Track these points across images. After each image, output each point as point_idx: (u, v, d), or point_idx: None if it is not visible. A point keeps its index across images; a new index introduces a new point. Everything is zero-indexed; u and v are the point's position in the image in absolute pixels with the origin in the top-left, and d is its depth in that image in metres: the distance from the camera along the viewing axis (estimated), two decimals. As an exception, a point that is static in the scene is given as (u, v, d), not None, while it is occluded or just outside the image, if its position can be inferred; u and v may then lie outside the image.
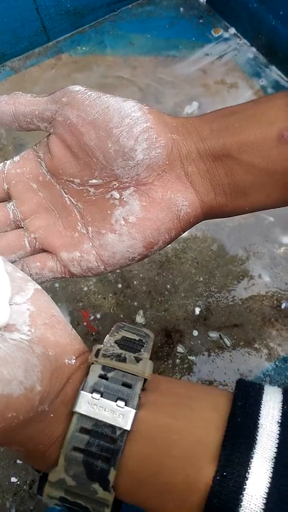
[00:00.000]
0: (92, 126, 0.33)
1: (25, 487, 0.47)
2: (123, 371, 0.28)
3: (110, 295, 0.55)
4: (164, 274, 0.56)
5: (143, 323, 0.53)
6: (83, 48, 0.74)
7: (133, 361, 0.28)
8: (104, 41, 0.75)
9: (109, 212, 0.34)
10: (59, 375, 0.28)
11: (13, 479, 0.47)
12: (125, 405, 0.27)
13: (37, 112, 0.34)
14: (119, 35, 0.76)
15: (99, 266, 0.35)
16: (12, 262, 0.35)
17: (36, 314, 0.30)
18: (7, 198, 0.37)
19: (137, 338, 0.31)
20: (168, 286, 0.56)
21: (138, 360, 0.29)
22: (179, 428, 0.27)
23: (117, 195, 0.34)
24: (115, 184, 0.34)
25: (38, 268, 0.35)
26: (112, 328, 0.31)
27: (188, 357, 0.51)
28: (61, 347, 0.29)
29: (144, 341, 0.31)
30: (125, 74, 0.72)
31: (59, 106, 0.33)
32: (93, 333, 0.53)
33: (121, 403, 0.27)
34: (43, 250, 0.36)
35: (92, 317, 0.54)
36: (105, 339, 0.30)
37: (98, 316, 0.54)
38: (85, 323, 0.54)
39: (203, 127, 0.34)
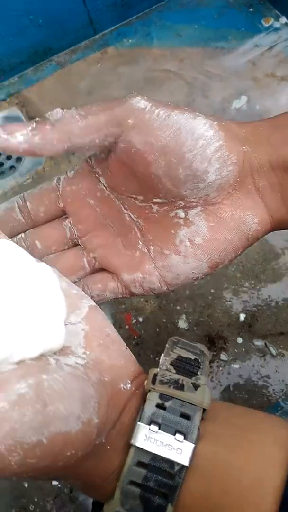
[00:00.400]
0: (161, 153, 0.30)
1: (66, 490, 0.47)
2: (181, 400, 0.27)
3: (153, 298, 0.54)
4: (208, 278, 0.55)
5: (186, 328, 0.52)
6: (129, 41, 0.72)
7: (191, 389, 0.27)
8: (150, 33, 0.73)
9: (172, 231, 0.32)
10: (115, 403, 0.27)
11: (54, 482, 0.47)
12: (184, 438, 0.26)
13: (97, 141, 0.30)
14: (166, 26, 0.73)
15: (162, 287, 0.33)
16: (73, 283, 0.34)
17: (91, 334, 0.28)
18: (63, 215, 0.35)
19: (192, 357, 0.29)
20: (212, 291, 0.54)
21: (196, 387, 0.27)
22: (239, 464, 0.26)
23: (182, 214, 0.32)
24: (180, 203, 0.32)
25: (99, 290, 0.34)
26: (167, 345, 0.30)
27: (232, 365, 0.50)
28: (116, 371, 0.28)
29: (200, 360, 0.29)
30: (171, 67, 0.70)
31: (123, 129, 0.30)
32: (135, 337, 0.53)
33: (179, 436, 0.26)
34: (102, 269, 0.35)
35: (134, 320, 0.54)
36: (161, 360, 0.29)
37: (140, 319, 0.54)
38: (127, 326, 0.53)
39: (275, 135, 0.31)
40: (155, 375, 0.28)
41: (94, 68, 0.70)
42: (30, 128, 0.28)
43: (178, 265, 0.32)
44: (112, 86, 0.68)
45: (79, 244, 0.35)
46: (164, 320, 0.53)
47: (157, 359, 0.52)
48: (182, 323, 0.53)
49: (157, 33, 0.73)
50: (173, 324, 0.53)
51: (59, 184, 0.35)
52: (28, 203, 0.34)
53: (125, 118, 0.29)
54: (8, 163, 0.63)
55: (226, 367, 0.50)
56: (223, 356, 0.51)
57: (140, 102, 0.30)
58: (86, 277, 0.35)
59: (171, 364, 0.29)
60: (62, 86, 0.68)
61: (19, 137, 0.28)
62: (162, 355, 0.29)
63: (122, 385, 0.28)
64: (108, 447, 0.26)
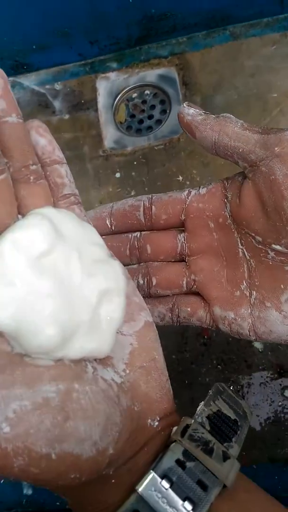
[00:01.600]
0: None
1: None
2: (205, 466, 0.25)
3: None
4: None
5: (260, 350, 0.49)
6: None
7: (219, 457, 0.25)
8: None
9: (282, 286, 0.30)
10: (137, 438, 0.25)
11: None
12: (192, 509, 0.24)
13: (240, 150, 0.30)
14: None
15: (250, 335, 0.32)
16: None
17: (137, 352, 0.27)
18: (181, 227, 0.35)
19: (233, 416, 0.27)
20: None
21: (225, 457, 0.25)
22: None
23: None
24: None
25: (187, 314, 0.34)
26: (210, 392, 0.28)
27: (292, 407, 0.46)
28: (149, 403, 0.27)
29: (239, 424, 0.27)
30: None
31: (268, 154, 0.29)
32: (205, 337, 0.51)
33: (188, 505, 0.24)
34: (197, 293, 0.34)
35: (211, 321, 0.51)
36: (198, 408, 0.27)
37: (217, 322, 0.51)
38: (201, 324, 0.51)
39: None
40: (187, 426, 0.26)
41: (267, 49, 0.65)
42: (202, 111, 0.32)
43: (275, 322, 0.31)
44: (280, 74, 0.63)
45: (184, 261, 0.35)
46: (241, 333, 0.50)
47: (219, 366, 0.50)
48: (258, 344, 0.49)
49: None
50: (248, 342, 0.50)
51: (188, 198, 0.34)
52: (153, 206, 0.35)
53: (274, 144, 0.29)
54: (147, 123, 0.62)
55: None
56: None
57: None
58: (179, 295, 0.34)
59: (208, 417, 0.27)
60: (228, 60, 0.64)
61: (191, 110, 0.32)
62: (202, 403, 0.27)
63: (149, 420, 0.27)
64: (113, 481, 0.25)
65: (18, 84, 0.66)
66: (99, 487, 0.25)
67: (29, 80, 0.65)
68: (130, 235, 0.35)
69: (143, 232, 0.35)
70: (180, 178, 0.58)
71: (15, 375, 0.22)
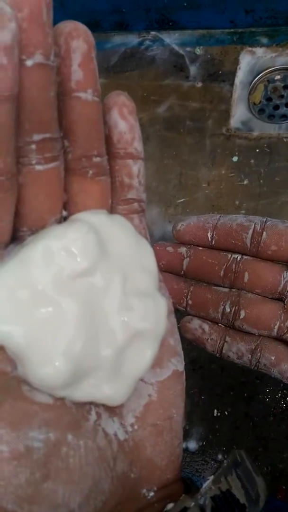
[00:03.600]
0: None
1: None
2: None
3: None
4: None
5: None
6: None
7: None
8: None
9: None
10: (123, 509, 0.21)
11: None
12: None
13: None
14: None
15: None
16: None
17: (154, 407, 0.23)
18: None
19: (242, 500, 0.22)
20: None
21: None
22: None
23: None
24: None
25: (269, 362, 0.30)
26: (225, 462, 0.23)
27: None
28: (150, 470, 0.23)
29: (247, 511, 0.22)
30: None
31: None
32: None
33: None
34: (287, 342, 0.30)
35: None
36: (205, 485, 0.22)
37: None
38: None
39: None
40: (185, 509, 0.22)
41: None
42: None
43: None
44: None
45: (283, 302, 0.30)
46: None
47: (285, 391, 0.45)
48: None
49: None
50: None
51: None
52: (265, 232, 0.30)
53: None
54: (283, 110, 0.56)
55: None
56: None
57: None
58: (265, 337, 0.31)
59: (212, 498, 0.22)
60: None
61: None
62: (211, 478, 0.23)
63: (144, 490, 0.22)
64: None
65: (159, 40, 0.62)
66: None
67: (171, 38, 0.62)
68: (229, 255, 0.31)
69: (244, 257, 0.31)
70: (303, 179, 0.53)
71: (2, 409, 0.19)
